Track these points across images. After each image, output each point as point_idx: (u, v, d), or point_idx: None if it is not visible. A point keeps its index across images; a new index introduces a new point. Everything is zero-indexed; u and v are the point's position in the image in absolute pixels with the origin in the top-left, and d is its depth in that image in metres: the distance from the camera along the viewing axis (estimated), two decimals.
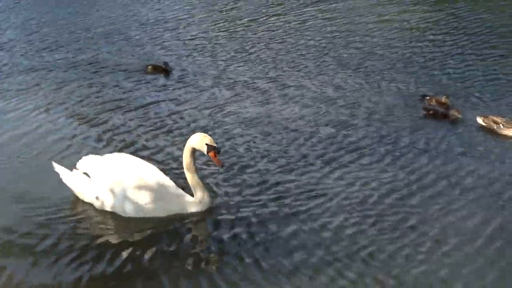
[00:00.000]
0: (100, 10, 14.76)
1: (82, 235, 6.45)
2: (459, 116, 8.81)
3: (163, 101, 9.75)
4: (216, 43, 12.42)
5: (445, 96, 9.17)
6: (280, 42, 12.42)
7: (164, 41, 12.53)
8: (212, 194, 7.01)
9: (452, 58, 11.20)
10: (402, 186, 7.24)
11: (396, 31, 12.78)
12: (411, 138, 8.42)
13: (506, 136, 8.52)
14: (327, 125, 8.82)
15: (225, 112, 9.32)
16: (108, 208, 6.86)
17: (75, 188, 7.01)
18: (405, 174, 7.53)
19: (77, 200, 6.96)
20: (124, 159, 7.04)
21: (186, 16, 14.39)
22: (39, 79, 10.77)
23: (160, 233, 6.52)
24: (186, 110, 9.37)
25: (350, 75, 10.64)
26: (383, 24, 13.31)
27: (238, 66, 11.23)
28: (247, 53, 11.85)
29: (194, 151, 6.72)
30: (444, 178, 7.44)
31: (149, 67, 10.86)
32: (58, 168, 7.08)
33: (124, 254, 6.18)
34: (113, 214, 6.78)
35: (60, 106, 9.57)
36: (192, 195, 6.86)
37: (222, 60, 11.47)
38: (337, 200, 6.97)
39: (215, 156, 6.64)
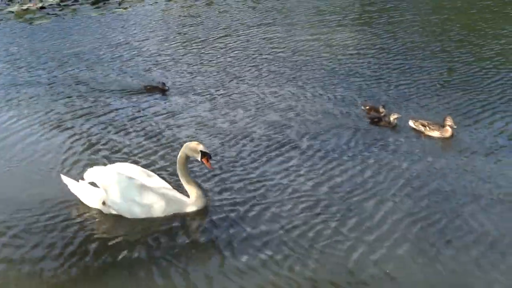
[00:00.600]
0: (74, 35, 15.55)
1: (91, 236, 6.78)
2: (397, 117, 9.38)
3: (147, 116, 10.12)
4: (177, 60, 13.10)
5: (381, 106, 9.75)
6: (227, 59, 13.07)
7: (127, 61, 13.18)
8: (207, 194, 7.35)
9: (379, 70, 12.06)
10: (341, 181, 7.78)
11: (327, 48, 13.55)
12: (349, 140, 8.99)
13: (430, 137, 9.08)
14: (276, 128, 9.43)
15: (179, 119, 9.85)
16: (114, 211, 7.13)
17: (83, 196, 7.32)
18: (343, 170, 8.09)
19: (83, 206, 7.29)
20: (127, 168, 7.32)
21: (147, 36, 15.17)
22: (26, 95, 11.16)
23: (160, 231, 6.84)
24: (170, 123, 9.81)
25: (291, 85, 11.32)
26: (315, 42, 14.12)
27: (199, 78, 11.87)
28: (200, 66, 12.60)
29: (188, 157, 7.10)
30: (375, 173, 7.98)
31: (147, 87, 11.11)
32: (66, 180, 7.41)
33: (125, 251, 6.51)
34: (118, 217, 7.12)
35: (61, 122, 9.93)
36: (187, 196, 7.19)
37: (188, 72, 12.18)
38: (282, 192, 7.49)
39: (207, 161, 7.06)
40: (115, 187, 7.06)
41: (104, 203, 7.18)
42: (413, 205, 7.24)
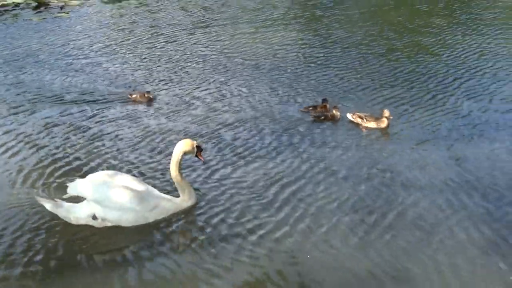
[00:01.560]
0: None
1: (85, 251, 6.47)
2: (338, 114, 9.79)
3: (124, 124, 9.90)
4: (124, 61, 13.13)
5: (324, 100, 10.08)
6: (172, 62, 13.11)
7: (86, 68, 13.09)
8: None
9: (322, 69, 12.34)
10: (289, 172, 8.03)
11: (272, 50, 13.75)
12: (295, 135, 9.27)
13: (368, 128, 9.45)
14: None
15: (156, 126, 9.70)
16: (109, 223, 6.79)
17: (67, 215, 6.83)
18: (289, 163, 8.33)
19: (68, 225, 6.85)
20: (113, 175, 6.98)
21: (91, 40, 15.11)
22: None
23: (155, 234, 6.77)
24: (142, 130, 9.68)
25: (227, 85, 11.47)
26: (260, 44, 14.33)
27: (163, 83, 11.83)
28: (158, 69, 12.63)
29: (183, 155, 7.06)
30: (318, 163, 8.27)
31: (134, 95, 10.68)
32: (43, 201, 6.90)
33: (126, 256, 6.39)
34: (111, 228, 6.83)
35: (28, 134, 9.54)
36: (175, 196, 7.17)
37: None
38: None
39: (200, 154, 7.20)
40: (106, 197, 6.75)
41: (94, 216, 6.83)
42: (348, 194, 7.49)
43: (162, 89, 11.64)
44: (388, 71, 12.32)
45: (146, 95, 10.74)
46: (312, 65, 12.79)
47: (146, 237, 6.75)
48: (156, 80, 12.14)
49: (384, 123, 9.51)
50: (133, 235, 6.77)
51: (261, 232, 6.76)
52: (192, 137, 9.16)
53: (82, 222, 6.85)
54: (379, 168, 8.16)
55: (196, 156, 7.21)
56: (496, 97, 10.80)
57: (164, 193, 7.20)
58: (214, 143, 9.13)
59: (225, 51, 13.89)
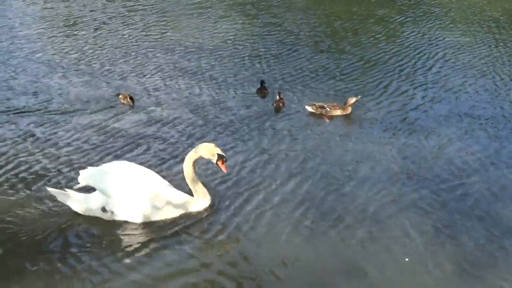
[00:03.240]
0: None
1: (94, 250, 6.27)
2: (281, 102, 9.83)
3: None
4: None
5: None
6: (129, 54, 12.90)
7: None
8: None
9: (276, 60, 12.45)
10: (245, 168, 8.02)
11: (227, 42, 13.64)
12: (259, 126, 9.41)
13: (332, 116, 9.62)
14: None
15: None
16: (119, 218, 6.56)
17: (77, 205, 6.66)
18: (258, 152, 8.46)
19: (77, 216, 6.71)
20: (126, 166, 6.74)
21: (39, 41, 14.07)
22: None
23: (164, 233, 6.56)
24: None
25: (179, 79, 11.41)
26: (200, 33, 14.27)
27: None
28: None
29: (199, 158, 6.82)
30: (271, 158, 8.34)
31: (120, 96, 10.22)
32: (53, 191, 6.74)
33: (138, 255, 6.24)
34: (120, 223, 6.64)
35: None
36: (191, 195, 6.91)
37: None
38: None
39: (223, 163, 6.83)
40: (117, 189, 6.52)
41: (104, 209, 6.64)
42: (298, 186, 7.60)
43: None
44: (335, 62, 12.44)
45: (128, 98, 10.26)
46: (260, 56, 12.80)
47: (153, 236, 6.56)
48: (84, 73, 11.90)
49: (348, 110, 9.65)
50: (140, 233, 6.60)
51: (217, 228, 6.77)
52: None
53: (92, 214, 6.63)
54: (329, 162, 8.24)
55: (217, 164, 6.92)
56: (446, 87, 11.06)
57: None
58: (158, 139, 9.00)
59: (166, 43, 13.80)
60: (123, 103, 10.12)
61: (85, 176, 6.69)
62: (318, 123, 9.61)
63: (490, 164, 8.21)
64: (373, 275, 5.94)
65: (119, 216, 6.60)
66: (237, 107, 10.23)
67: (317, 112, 9.74)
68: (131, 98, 10.10)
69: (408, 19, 15.53)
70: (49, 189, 6.81)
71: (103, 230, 6.59)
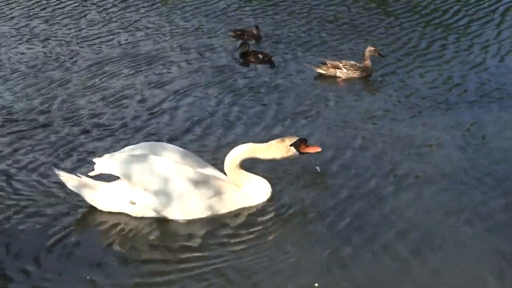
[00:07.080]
0: None
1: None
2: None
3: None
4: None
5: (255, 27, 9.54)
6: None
7: None
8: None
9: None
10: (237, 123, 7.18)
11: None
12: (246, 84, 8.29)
13: (348, 79, 8.43)
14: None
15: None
16: (152, 213, 5.74)
17: (95, 197, 5.76)
18: (242, 112, 7.43)
19: (94, 211, 5.77)
20: (161, 148, 5.88)
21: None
22: None
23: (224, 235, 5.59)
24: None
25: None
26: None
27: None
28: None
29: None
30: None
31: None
32: (65, 176, 5.76)
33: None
34: (153, 220, 5.74)
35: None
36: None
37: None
38: None
39: (307, 146, 5.88)
40: (153, 178, 5.63)
41: (132, 202, 5.73)
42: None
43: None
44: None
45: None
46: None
47: (198, 234, 5.61)
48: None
49: (368, 64, 8.43)
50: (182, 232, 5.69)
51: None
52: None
53: (114, 208, 5.78)
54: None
55: (301, 152, 5.98)
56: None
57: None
58: None
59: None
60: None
61: (107, 162, 5.74)
62: (330, 89, 8.32)
63: None
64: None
65: (152, 211, 5.72)
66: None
67: (329, 74, 8.52)
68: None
69: None
70: (59, 172, 5.84)
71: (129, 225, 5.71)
